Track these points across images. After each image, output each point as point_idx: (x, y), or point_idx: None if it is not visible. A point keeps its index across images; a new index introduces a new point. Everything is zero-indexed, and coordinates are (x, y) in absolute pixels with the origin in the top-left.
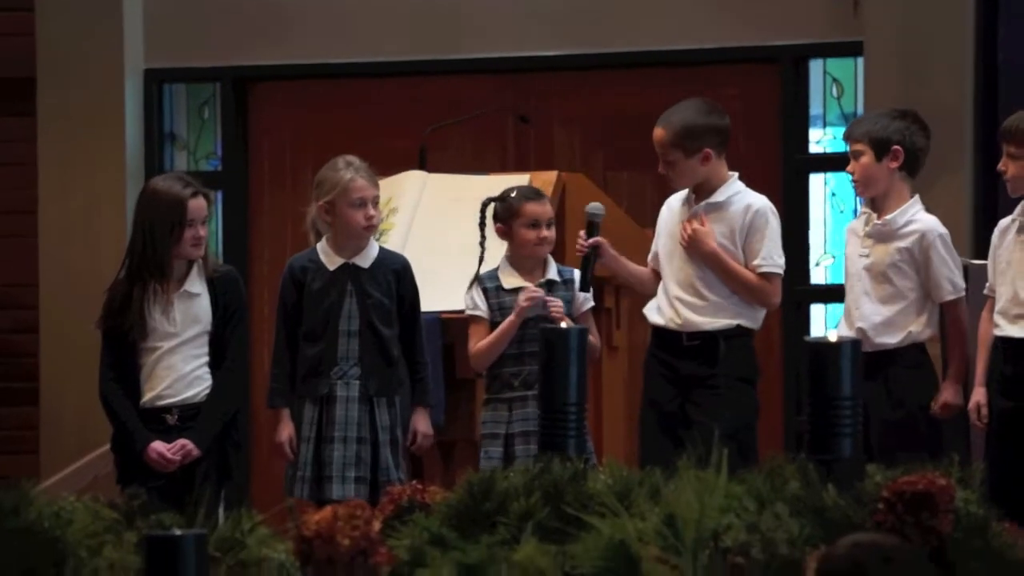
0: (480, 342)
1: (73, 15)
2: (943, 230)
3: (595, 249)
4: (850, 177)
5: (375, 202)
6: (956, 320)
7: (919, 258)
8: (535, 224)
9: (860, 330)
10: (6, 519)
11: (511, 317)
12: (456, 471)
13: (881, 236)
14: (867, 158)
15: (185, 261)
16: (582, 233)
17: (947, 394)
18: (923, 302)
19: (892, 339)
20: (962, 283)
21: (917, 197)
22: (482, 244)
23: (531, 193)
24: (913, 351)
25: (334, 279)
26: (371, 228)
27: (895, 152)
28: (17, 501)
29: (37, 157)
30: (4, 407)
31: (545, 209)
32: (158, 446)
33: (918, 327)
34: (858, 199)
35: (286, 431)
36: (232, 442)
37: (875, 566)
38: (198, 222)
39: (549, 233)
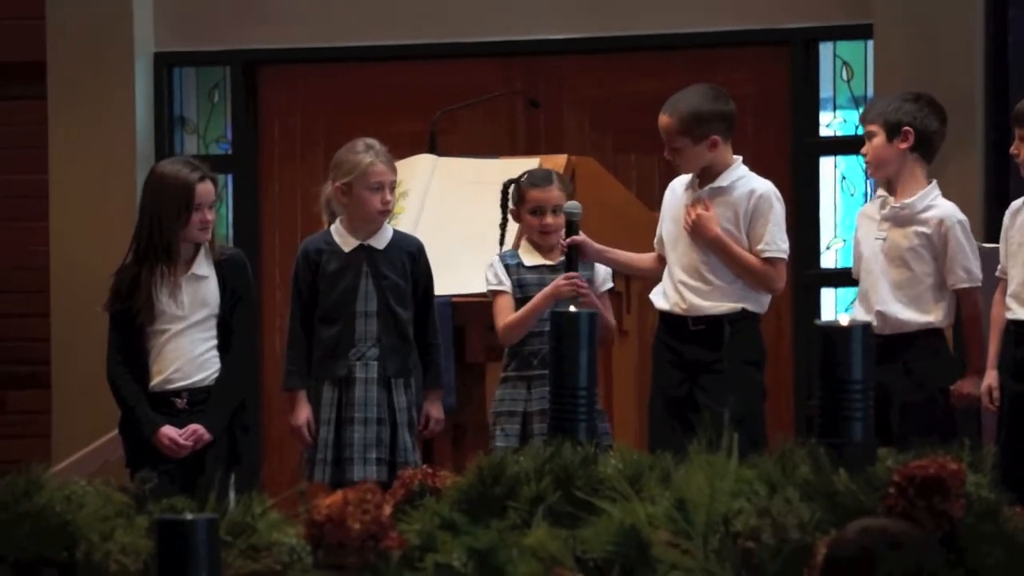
0: (510, 316)
1: None
2: (962, 217)
3: (575, 248)
4: (863, 159)
5: (392, 187)
6: (971, 309)
7: (937, 243)
8: (539, 211)
9: (879, 313)
10: (17, 503)
11: (545, 292)
12: (467, 455)
13: (899, 220)
14: (879, 139)
15: (192, 244)
16: (562, 234)
17: (968, 385)
18: (940, 288)
19: (910, 323)
20: (978, 272)
21: (935, 183)
22: (502, 225)
23: (537, 178)
24: (931, 336)
25: (349, 261)
26: (386, 213)
27: (905, 133)
28: (28, 485)
29: (47, 141)
30: (15, 391)
31: (549, 196)
32: (169, 431)
33: (937, 314)
34: (869, 183)
35: (303, 414)
36: (241, 426)
37: (883, 552)
38: (205, 206)
39: (553, 220)
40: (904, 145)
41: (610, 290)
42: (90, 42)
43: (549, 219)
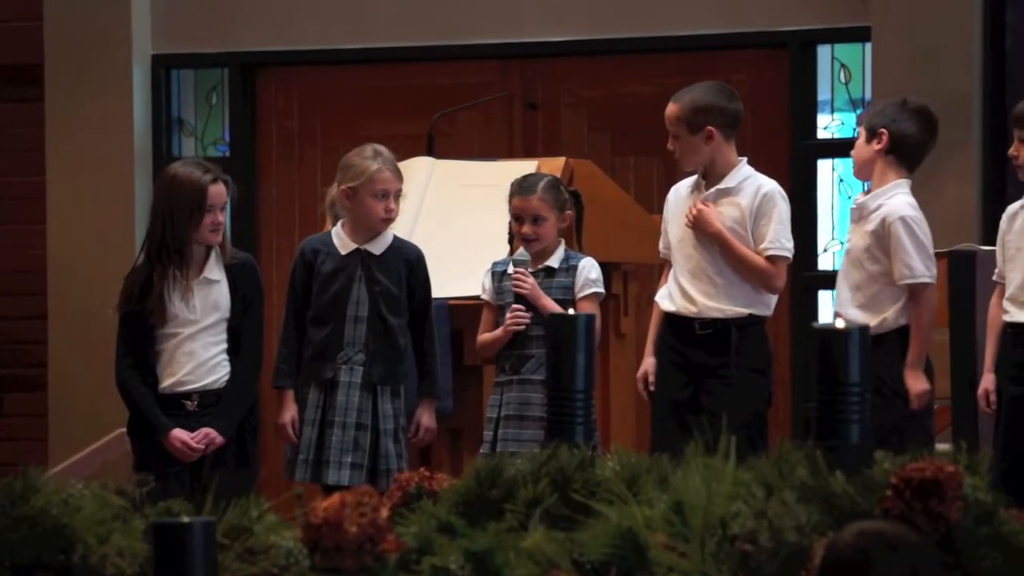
0: (483, 334)
1: (81, 1)
2: (907, 212)
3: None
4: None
5: (397, 195)
6: (916, 306)
7: (885, 241)
8: (518, 219)
9: (837, 316)
10: (14, 506)
11: (499, 331)
12: (464, 458)
13: (857, 220)
14: (860, 140)
15: (203, 247)
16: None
17: (908, 379)
18: (897, 287)
19: (868, 325)
20: (923, 269)
21: (900, 182)
22: (510, 230)
23: (521, 186)
24: (893, 336)
25: (344, 264)
26: (389, 221)
27: (880, 135)
28: (24, 489)
29: (45, 143)
30: (12, 394)
31: (526, 204)
32: (180, 435)
33: (894, 313)
34: (866, 185)
35: (289, 412)
36: (250, 429)
37: (881, 554)
38: (217, 208)
39: (528, 229)
40: (878, 147)
41: (596, 294)
42: (88, 44)
43: (525, 228)
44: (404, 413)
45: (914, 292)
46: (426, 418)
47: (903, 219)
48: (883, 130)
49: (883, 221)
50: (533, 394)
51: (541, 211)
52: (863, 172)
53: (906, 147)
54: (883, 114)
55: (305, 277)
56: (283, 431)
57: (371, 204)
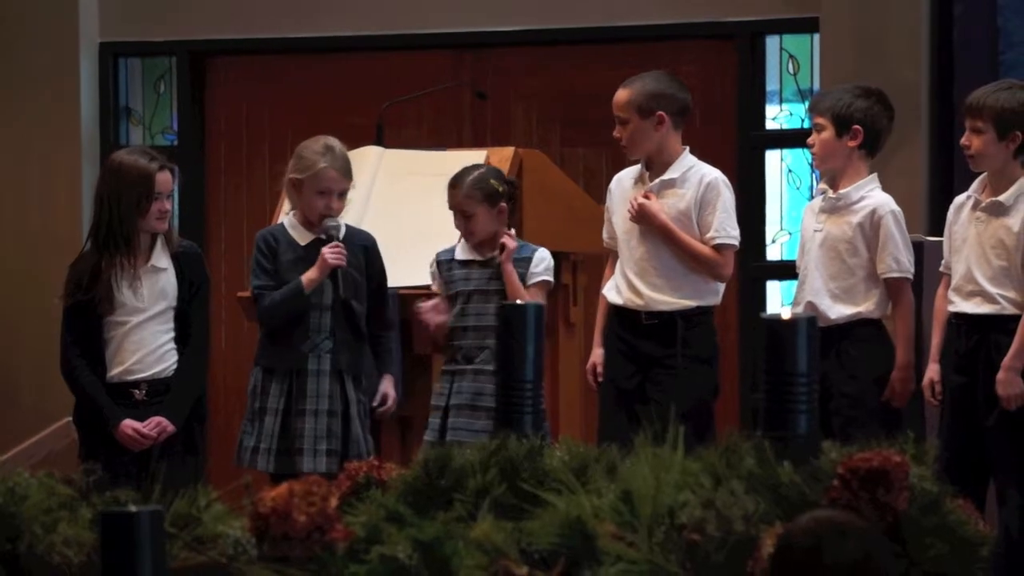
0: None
1: None
2: (896, 208)
3: (333, 228)
4: (809, 149)
5: (342, 193)
6: (899, 302)
7: (870, 233)
8: (452, 209)
9: (809, 304)
10: None
11: (315, 267)
12: (413, 447)
13: (835, 211)
14: (828, 133)
15: (149, 235)
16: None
17: (896, 378)
18: (874, 279)
19: (841, 314)
20: (908, 264)
21: (875, 175)
22: None
23: (449, 182)
24: (865, 326)
25: (306, 253)
26: (327, 217)
27: (855, 131)
28: None
29: None
30: None
31: (453, 200)
32: (132, 423)
33: (869, 304)
34: (815, 175)
35: (317, 268)
36: (198, 418)
37: (832, 541)
38: (164, 195)
39: (459, 224)
40: (853, 143)
41: (545, 282)
42: (35, 32)
43: (458, 223)
44: (368, 398)
45: (896, 286)
46: (389, 387)
47: (893, 213)
48: (858, 127)
49: (873, 213)
50: (487, 384)
51: (466, 207)
52: (829, 164)
53: (877, 140)
54: (854, 108)
55: (271, 262)
56: (330, 259)
57: (312, 200)
